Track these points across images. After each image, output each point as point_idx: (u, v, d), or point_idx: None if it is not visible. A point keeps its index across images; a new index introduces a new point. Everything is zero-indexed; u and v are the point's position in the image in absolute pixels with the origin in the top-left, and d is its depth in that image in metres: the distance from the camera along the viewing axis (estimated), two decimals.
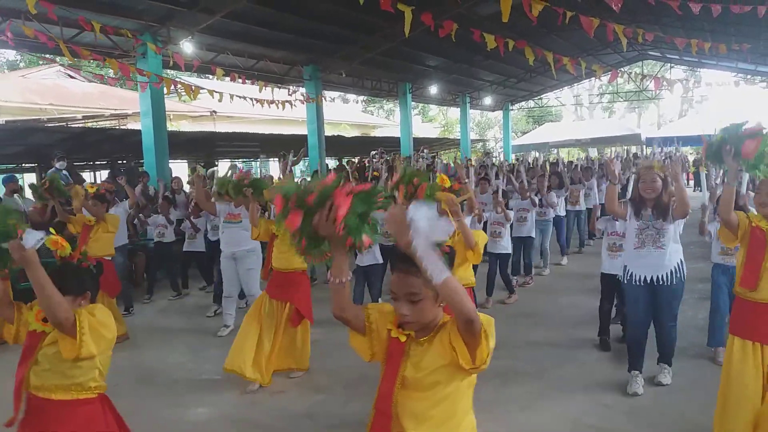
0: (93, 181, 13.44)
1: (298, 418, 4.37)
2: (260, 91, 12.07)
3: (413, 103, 23.38)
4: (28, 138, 11.90)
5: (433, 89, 21.01)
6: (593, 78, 26.30)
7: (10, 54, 23.90)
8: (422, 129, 36.07)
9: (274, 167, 23.76)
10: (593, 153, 25.66)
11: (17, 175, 11.71)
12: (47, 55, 20.58)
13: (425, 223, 1.62)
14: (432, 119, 41.27)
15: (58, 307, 2.33)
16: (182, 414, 4.51)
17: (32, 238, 2.36)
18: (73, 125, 13.95)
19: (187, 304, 8.18)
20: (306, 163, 16.10)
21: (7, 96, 16.65)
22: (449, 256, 1.95)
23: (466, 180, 4.38)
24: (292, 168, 6.34)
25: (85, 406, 2.52)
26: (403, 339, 1.98)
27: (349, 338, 2.12)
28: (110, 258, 6.33)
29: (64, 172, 9.38)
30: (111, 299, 6.20)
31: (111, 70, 9.52)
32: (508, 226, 7.16)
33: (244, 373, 4.72)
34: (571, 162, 16.15)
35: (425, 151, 18.87)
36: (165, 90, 11.28)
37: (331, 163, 18.60)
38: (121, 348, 5.86)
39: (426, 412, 1.91)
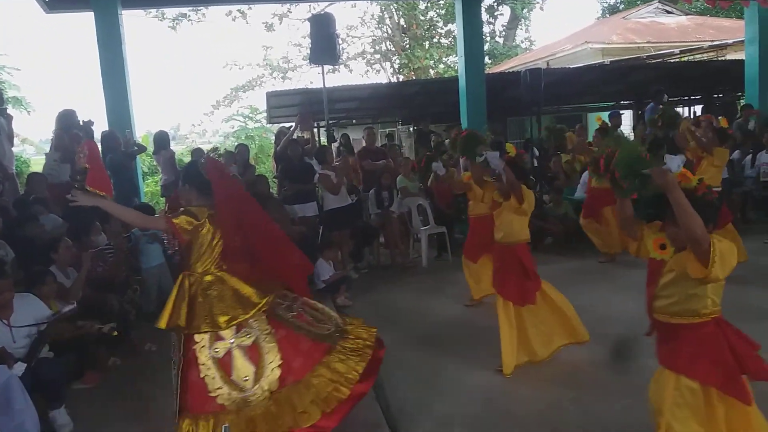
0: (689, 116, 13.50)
1: None
2: None
3: None
4: (628, 76, 12.83)
5: None
6: None
7: None
8: None
9: None
10: None
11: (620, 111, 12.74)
12: None
13: None
14: None
15: (698, 226, 2.47)
16: None
17: (674, 164, 2.73)
18: (669, 60, 14.21)
19: None
20: None
21: (609, 38, 18.15)
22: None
23: None
24: None
25: (700, 329, 2.71)
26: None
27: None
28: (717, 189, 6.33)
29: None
30: (729, 229, 5.85)
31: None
32: None
33: None
34: None
35: None
36: None
37: None
38: None
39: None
